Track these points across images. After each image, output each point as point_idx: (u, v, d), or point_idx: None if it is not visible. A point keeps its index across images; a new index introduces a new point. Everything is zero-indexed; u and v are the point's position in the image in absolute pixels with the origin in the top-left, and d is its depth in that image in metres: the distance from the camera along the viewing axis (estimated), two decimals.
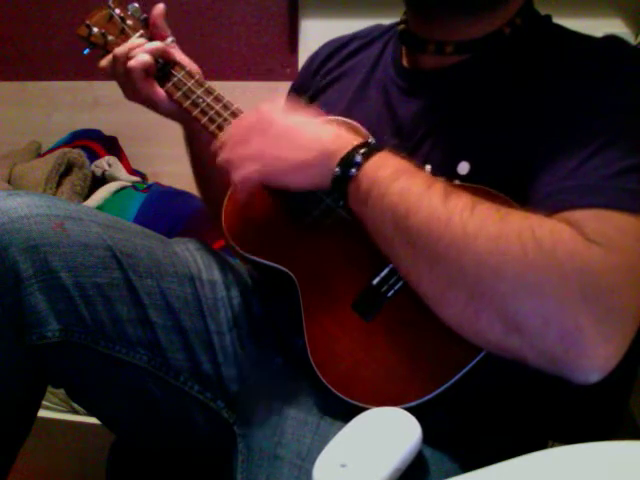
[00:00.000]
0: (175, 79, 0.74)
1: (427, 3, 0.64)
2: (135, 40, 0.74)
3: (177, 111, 0.76)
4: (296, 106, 0.64)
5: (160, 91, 0.74)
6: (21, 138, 1.77)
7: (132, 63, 0.72)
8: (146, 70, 0.73)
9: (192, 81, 0.73)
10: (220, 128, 0.70)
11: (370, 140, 0.58)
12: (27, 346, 0.62)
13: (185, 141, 0.82)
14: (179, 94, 0.73)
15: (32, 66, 1.79)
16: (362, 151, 0.56)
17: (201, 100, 0.72)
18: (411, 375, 0.55)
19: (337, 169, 0.57)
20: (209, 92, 0.72)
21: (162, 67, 0.74)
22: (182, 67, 0.75)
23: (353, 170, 0.56)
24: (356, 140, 0.58)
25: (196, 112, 0.72)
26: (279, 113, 0.63)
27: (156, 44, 0.74)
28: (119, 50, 0.73)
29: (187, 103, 0.73)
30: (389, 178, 0.54)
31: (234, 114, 0.70)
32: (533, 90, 0.60)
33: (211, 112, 0.71)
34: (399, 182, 0.53)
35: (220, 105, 0.71)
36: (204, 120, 0.71)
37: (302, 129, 0.61)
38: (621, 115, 0.55)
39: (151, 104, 0.76)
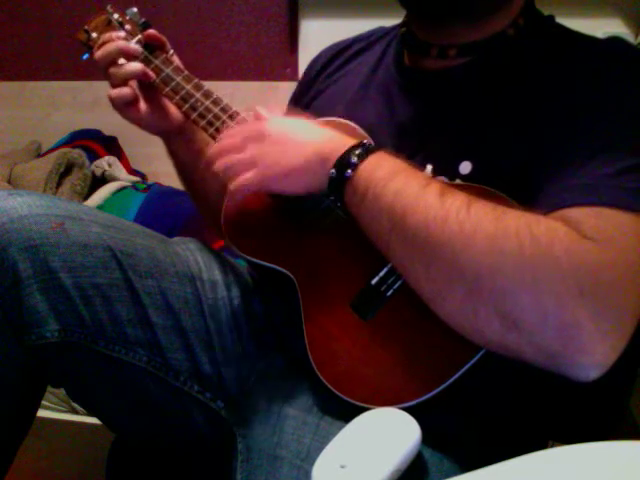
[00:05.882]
0: (174, 83, 0.74)
1: (428, 10, 0.64)
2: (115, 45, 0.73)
3: (157, 129, 0.78)
4: (293, 113, 0.65)
5: (139, 115, 0.75)
6: (21, 138, 1.78)
7: (113, 93, 0.72)
8: (127, 101, 0.73)
9: (190, 85, 0.73)
10: (218, 131, 0.71)
11: (366, 141, 0.58)
12: (27, 346, 0.62)
13: (169, 155, 0.83)
14: (177, 98, 0.73)
15: (32, 66, 1.79)
16: (357, 152, 0.56)
17: (199, 103, 0.72)
18: (410, 374, 0.55)
19: (333, 170, 0.57)
20: (207, 95, 0.72)
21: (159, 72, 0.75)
22: (180, 71, 0.75)
23: (349, 171, 0.56)
24: (351, 141, 0.58)
25: (194, 115, 0.72)
26: (274, 119, 0.63)
27: (137, 66, 0.73)
28: (97, 55, 0.73)
29: (186, 107, 0.73)
30: (385, 178, 0.54)
31: (232, 117, 0.71)
32: (536, 90, 0.60)
33: (209, 115, 0.71)
34: (395, 182, 0.54)
35: (219, 108, 0.71)
36: (202, 123, 0.72)
37: (297, 134, 0.61)
38: (622, 116, 0.55)
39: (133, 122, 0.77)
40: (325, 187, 0.58)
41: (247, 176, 0.61)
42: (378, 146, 0.58)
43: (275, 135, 0.61)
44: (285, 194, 0.62)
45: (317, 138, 0.60)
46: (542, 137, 0.57)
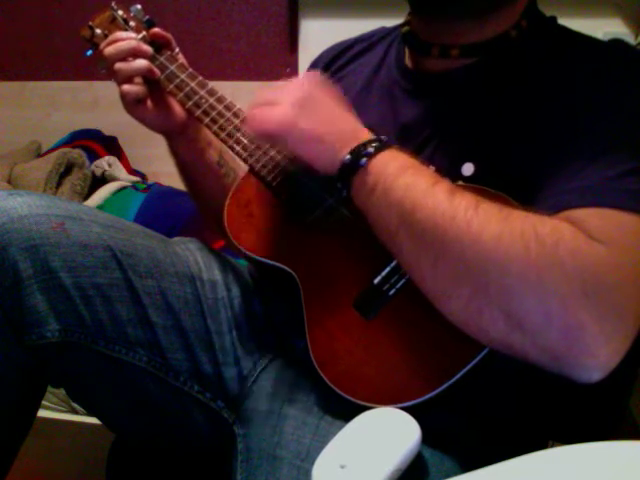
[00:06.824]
0: (178, 80, 0.74)
1: (431, 8, 0.64)
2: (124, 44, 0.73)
3: (161, 127, 0.77)
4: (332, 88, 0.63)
5: (145, 112, 0.75)
6: (21, 138, 1.78)
7: (125, 88, 0.72)
8: (138, 98, 0.73)
9: (194, 83, 0.73)
10: (222, 128, 0.71)
11: (383, 137, 0.59)
12: (27, 346, 0.62)
13: (171, 154, 0.83)
14: (181, 95, 0.73)
15: (32, 66, 1.79)
16: (375, 144, 0.56)
17: (203, 101, 0.72)
18: (412, 374, 0.55)
19: (348, 157, 0.56)
20: (211, 93, 0.72)
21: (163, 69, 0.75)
22: (184, 69, 0.75)
23: (364, 160, 0.56)
24: (370, 135, 0.58)
25: (198, 112, 0.72)
26: (319, 88, 0.62)
27: (143, 63, 0.73)
28: (108, 51, 0.73)
29: (189, 104, 0.73)
30: (395, 173, 0.54)
31: (236, 114, 0.71)
32: (538, 92, 0.60)
33: (213, 112, 0.71)
34: (405, 177, 0.54)
35: (222, 105, 0.71)
36: (206, 120, 0.72)
37: (332, 110, 0.60)
38: (625, 118, 0.55)
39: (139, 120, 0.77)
40: (334, 170, 0.57)
41: (277, 113, 0.59)
42: (392, 143, 0.58)
43: (315, 102, 0.60)
44: (297, 159, 0.61)
45: (344, 121, 0.59)
46: (543, 138, 0.57)
